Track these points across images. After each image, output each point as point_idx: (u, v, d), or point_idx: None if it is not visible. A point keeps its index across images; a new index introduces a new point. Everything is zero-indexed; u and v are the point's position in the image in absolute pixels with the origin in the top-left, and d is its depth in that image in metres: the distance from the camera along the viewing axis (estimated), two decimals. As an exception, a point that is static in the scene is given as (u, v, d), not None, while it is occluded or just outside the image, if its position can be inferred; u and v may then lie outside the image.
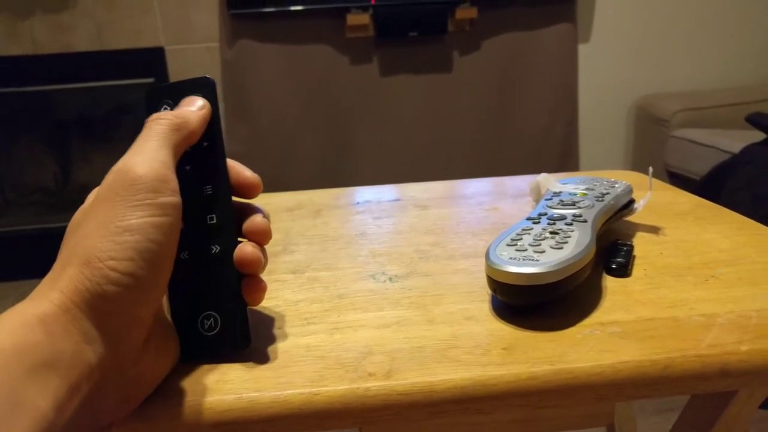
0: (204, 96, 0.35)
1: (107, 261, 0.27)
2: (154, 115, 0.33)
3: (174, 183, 0.31)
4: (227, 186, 0.34)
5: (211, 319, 0.33)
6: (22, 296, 0.27)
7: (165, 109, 0.35)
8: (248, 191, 0.36)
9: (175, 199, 0.30)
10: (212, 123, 0.35)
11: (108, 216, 0.28)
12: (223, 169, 0.34)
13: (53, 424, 0.24)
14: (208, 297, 0.33)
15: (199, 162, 0.35)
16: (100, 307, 0.27)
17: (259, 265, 0.33)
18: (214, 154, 0.35)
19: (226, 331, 0.33)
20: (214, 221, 0.34)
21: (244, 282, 0.33)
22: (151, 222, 0.28)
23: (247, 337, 0.33)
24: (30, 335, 0.25)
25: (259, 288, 0.34)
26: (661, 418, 1.26)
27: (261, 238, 0.35)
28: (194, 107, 0.34)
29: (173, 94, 0.35)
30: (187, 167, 0.34)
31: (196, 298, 0.33)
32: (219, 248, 0.34)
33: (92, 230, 0.28)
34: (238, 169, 0.36)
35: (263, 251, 0.34)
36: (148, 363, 0.30)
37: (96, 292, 0.27)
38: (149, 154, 0.31)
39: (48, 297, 0.26)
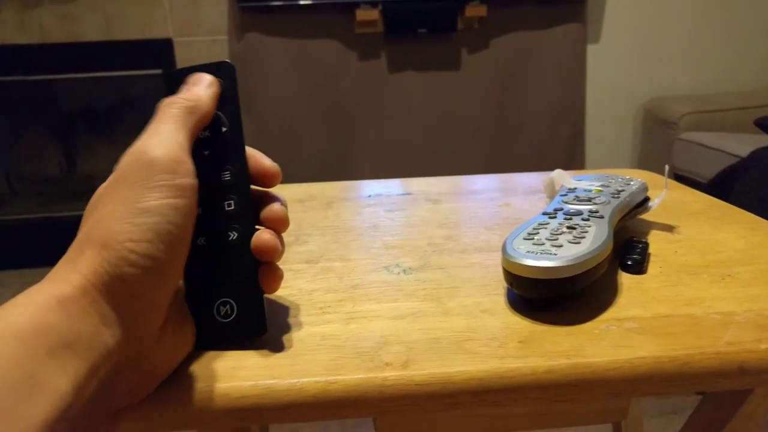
0: (224, 81, 0.35)
1: (126, 243, 0.27)
2: (167, 99, 0.33)
3: (190, 165, 0.30)
4: (246, 173, 0.34)
5: (228, 306, 0.33)
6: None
7: None
8: (267, 180, 0.35)
9: (192, 180, 0.30)
10: (232, 109, 0.34)
11: (125, 197, 0.28)
12: (242, 155, 0.34)
13: (72, 405, 0.24)
14: (225, 284, 0.33)
15: (218, 147, 0.34)
16: (119, 290, 0.27)
17: (276, 252, 0.33)
18: (234, 140, 0.34)
19: (242, 318, 0.33)
20: (232, 207, 0.34)
21: (261, 269, 0.33)
22: (169, 204, 0.28)
23: (264, 325, 0.33)
24: (49, 316, 0.24)
25: (276, 276, 0.34)
26: (664, 420, 1.26)
27: (279, 225, 0.34)
28: (203, 86, 0.34)
29: None
30: (206, 152, 0.34)
31: (213, 284, 0.33)
32: (236, 235, 0.33)
33: (109, 212, 0.28)
34: (257, 158, 0.35)
35: (280, 239, 0.34)
36: (164, 348, 0.30)
37: (115, 274, 0.26)
38: (165, 135, 0.30)
39: (67, 279, 0.26)
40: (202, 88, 0.33)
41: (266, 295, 0.36)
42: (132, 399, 0.29)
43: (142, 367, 0.28)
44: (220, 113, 0.34)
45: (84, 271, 0.26)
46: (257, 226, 0.34)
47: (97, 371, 0.25)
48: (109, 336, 0.26)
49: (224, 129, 0.34)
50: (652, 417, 1.27)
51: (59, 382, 0.23)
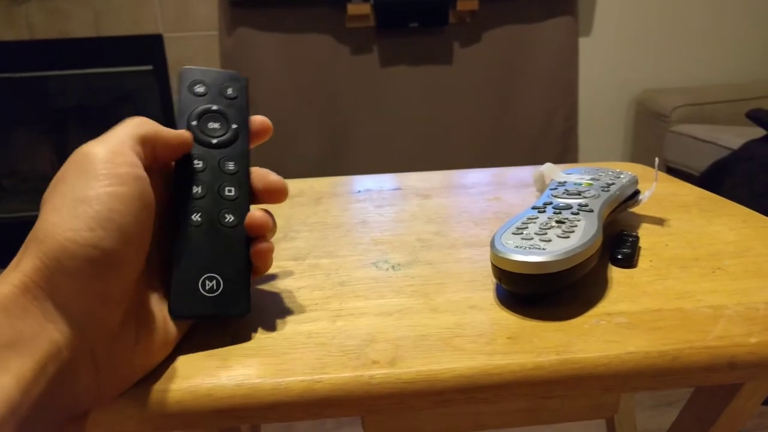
0: (234, 90, 0.38)
1: (65, 233, 0.26)
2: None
3: (131, 157, 0.30)
4: (247, 167, 0.36)
5: (214, 281, 0.33)
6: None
7: (199, 87, 0.37)
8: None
9: (134, 170, 0.29)
10: (241, 111, 0.37)
11: (63, 190, 0.28)
12: (246, 151, 0.37)
13: (19, 403, 0.23)
14: (215, 261, 0.34)
15: (225, 140, 0.36)
16: (62, 284, 0.26)
17: (268, 227, 0.34)
18: (241, 138, 0.37)
19: (227, 295, 0.33)
20: (232, 194, 0.35)
21: (254, 248, 0.34)
22: (108, 192, 0.28)
23: (247, 304, 0.34)
24: None
25: (267, 249, 0.34)
26: (658, 412, 1.26)
27: (278, 196, 0.36)
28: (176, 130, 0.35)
29: (206, 78, 0.37)
30: (214, 141, 0.36)
31: (202, 260, 0.34)
32: (233, 218, 0.35)
33: (49, 207, 0.27)
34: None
35: (272, 217, 0.35)
36: (126, 349, 0.29)
37: (55, 267, 0.26)
38: (107, 136, 0.30)
39: (7, 279, 0.26)
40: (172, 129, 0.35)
41: (254, 290, 0.36)
42: (95, 402, 0.28)
43: (99, 365, 0.27)
44: (228, 112, 0.37)
45: (24, 268, 0.26)
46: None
47: (45, 368, 0.25)
48: (55, 332, 0.26)
49: (234, 125, 0.37)
50: (645, 409, 1.27)
51: (2, 380, 0.23)
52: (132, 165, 0.29)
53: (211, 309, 0.33)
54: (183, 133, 0.35)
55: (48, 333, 0.25)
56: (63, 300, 0.26)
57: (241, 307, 0.34)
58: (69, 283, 0.26)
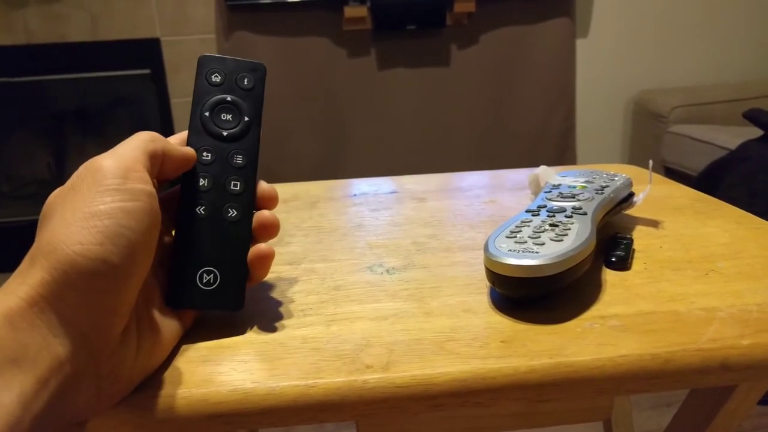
0: (250, 80, 0.37)
1: (74, 246, 0.26)
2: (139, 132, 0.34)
3: (143, 174, 0.30)
4: (256, 162, 0.36)
5: (212, 275, 0.34)
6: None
7: (215, 76, 0.37)
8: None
9: (146, 186, 0.29)
10: (256, 104, 0.37)
11: (75, 204, 0.28)
12: (256, 145, 0.37)
13: (20, 419, 0.23)
14: (215, 255, 0.35)
15: (236, 132, 0.37)
16: (69, 297, 0.26)
17: (277, 228, 0.36)
18: (252, 131, 0.37)
19: (223, 289, 0.34)
20: (238, 188, 0.36)
21: (254, 248, 0.35)
22: (120, 207, 0.28)
23: (241, 301, 0.35)
24: None
25: (267, 254, 0.35)
26: (656, 413, 1.26)
27: (268, 203, 0.36)
28: (179, 139, 0.36)
29: (223, 67, 0.37)
30: (225, 133, 0.36)
31: (202, 252, 0.35)
32: (236, 213, 0.35)
33: (59, 220, 0.27)
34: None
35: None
36: (128, 358, 0.29)
37: (63, 281, 0.26)
38: (118, 150, 0.31)
39: (15, 291, 0.26)
40: (177, 140, 0.36)
41: (249, 295, 0.36)
42: (93, 411, 0.28)
43: (101, 376, 0.27)
44: (244, 103, 0.37)
45: (32, 281, 0.26)
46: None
47: (47, 383, 0.25)
48: (59, 346, 0.25)
49: (246, 118, 0.37)
50: (645, 409, 1.27)
51: (4, 397, 0.23)
52: (143, 181, 0.30)
53: (206, 302, 0.34)
54: (187, 152, 0.35)
55: (52, 348, 0.25)
56: (69, 313, 0.26)
57: (235, 302, 0.35)
58: (75, 296, 0.26)
